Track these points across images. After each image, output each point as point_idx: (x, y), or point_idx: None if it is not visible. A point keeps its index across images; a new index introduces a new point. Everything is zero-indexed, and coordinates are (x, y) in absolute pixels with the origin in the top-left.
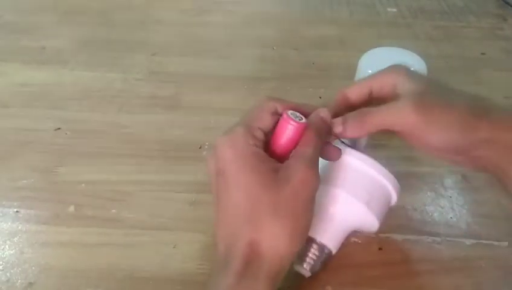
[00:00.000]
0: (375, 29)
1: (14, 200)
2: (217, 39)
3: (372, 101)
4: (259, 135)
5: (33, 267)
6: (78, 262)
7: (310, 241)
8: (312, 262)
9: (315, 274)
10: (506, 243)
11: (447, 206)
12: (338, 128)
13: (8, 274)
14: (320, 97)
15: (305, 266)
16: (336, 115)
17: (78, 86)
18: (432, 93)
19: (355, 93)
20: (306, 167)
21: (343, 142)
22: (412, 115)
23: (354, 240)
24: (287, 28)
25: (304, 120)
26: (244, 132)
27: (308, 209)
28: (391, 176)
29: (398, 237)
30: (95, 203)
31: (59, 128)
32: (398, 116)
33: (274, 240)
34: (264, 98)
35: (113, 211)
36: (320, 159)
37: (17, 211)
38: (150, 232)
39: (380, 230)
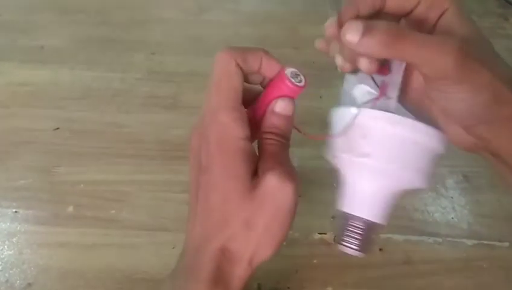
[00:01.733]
0: None
1: (12, 201)
2: (216, 38)
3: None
4: (243, 112)
5: (32, 268)
6: (77, 263)
7: (349, 218)
8: (357, 241)
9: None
10: (507, 244)
11: (448, 206)
12: (353, 38)
13: (6, 275)
14: (320, 97)
15: (353, 247)
16: (355, 13)
17: (77, 85)
18: (479, 45)
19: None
20: (276, 182)
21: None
22: (452, 59)
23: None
24: (287, 27)
25: (303, 82)
26: (232, 123)
27: (282, 221)
28: (424, 127)
29: (399, 237)
30: (94, 203)
31: (58, 128)
32: (436, 52)
33: (246, 249)
34: (224, 54)
35: (112, 211)
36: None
37: (15, 212)
38: (149, 233)
39: (381, 231)
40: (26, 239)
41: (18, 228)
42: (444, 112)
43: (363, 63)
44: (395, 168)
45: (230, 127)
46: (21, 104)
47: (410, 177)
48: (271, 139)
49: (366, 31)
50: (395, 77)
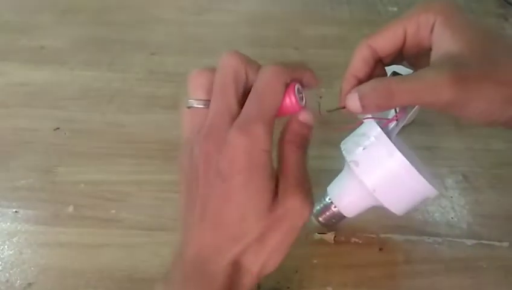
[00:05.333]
0: (376, 28)
1: (13, 201)
2: (216, 38)
3: (405, 51)
4: (273, 127)
5: (32, 268)
6: (77, 263)
7: (327, 199)
8: (325, 221)
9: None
10: (507, 244)
11: (448, 206)
12: (355, 106)
13: (7, 275)
14: (320, 97)
15: (320, 219)
16: (356, 81)
17: (77, 85)
18: (474, 56)
19: (385, 43)
20: (295, 194)
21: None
22: (448, 92)
23: (354, 240)
24: (287, 27)
25: (304, 102)
26: (265, 136)
27: (292, 238)
28: (421, 179)
29: (398, 237)
30: (94, 203)
31: (58, 128)
32: (430, 93)
33: (256, 263)
34: (277, 70)
35: (113, 211)
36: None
37: (16, 212)
38: (149, 233)
39: (381, 230)
40: (26, 239)
41: (18, 227)
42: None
43: None
44: (373, 188)
45: (262, 140)
46: (21, 104)
47: (384, 202)
48: (294, 148)
49: (362, 100)
50: (408, 110)
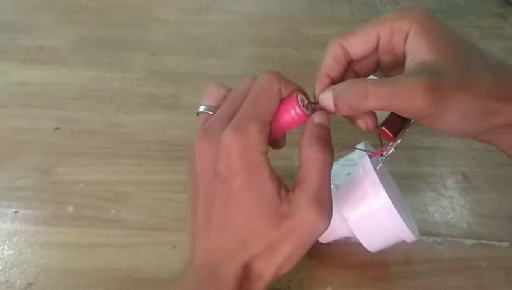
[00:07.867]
0: None
1: (12, 201)
2: (216, 38)
3: (380, 57)
4: (268, 130)
5: (32, 268)
6: (77, 262)
7: None
8: None
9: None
10: (507, 244)
11: (447, 206)
12: (328, 105)
13: (7, 275)
14: None
15: None
16: (329, 81)
17: (77, 85)
18: (449, 66)
19: (356, 44)
20: (310, 206)
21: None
22: (422, 100)
23: (355, 240)
24: (287, 27)
25: (310, 110)
26: (259, 136)
27: (306, 249)
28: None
29: None
30: (93, 203)
31: (58, 128)
32: (404, 99)
33: (267, 268)
34: (271, 77)
35: (112, 211)
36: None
37: (16, 212)
38: (149, 233)
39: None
40: (26, 239)
41: (18, 228)
42: (440, 130)
43: (358, 123)
44: (347, 216)
45: (256, 141)
46: (21, 104)
47: (356, 233)
48: (315, 155)
49: (335, 99)
50: (391, 146)
